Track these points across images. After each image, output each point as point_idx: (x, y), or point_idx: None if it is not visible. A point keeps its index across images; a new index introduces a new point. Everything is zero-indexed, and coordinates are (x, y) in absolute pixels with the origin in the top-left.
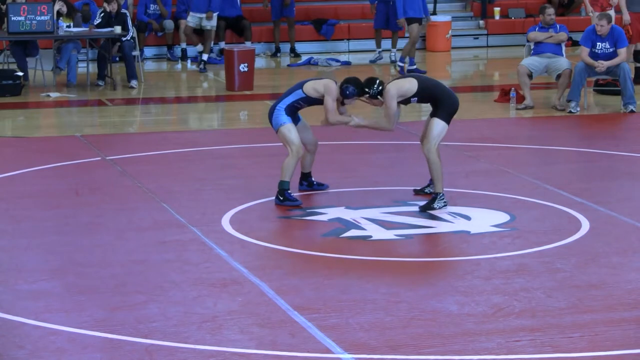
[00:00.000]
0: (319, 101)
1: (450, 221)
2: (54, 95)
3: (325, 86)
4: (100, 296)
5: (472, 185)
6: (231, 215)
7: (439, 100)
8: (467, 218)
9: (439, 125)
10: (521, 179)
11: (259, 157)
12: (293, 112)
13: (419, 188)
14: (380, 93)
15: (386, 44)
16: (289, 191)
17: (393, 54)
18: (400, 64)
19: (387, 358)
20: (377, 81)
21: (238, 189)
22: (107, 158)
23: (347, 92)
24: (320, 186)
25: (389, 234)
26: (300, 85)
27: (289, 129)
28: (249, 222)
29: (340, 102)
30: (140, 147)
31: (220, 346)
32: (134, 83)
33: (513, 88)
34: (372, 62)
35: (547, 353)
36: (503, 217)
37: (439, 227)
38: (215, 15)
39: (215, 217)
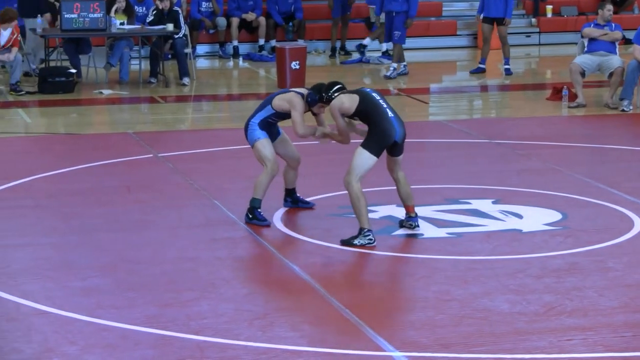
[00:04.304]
0: (289, 115)
1: (502, 219)
2: (106, 92)
3: (290, 101)
4: (151, 293)
5: (524, 184)
6: (282, 212)
7: (371, 128)
8: (519, 216)
9: (361, 156)
10: (573, 177)
11: (309, 155)
12: (268, 126)
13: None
14: (329, 100)
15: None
16: (260, 210)
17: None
18: (507, 66)
19: (438, 356)
20: (335, 87)
21: (282, 190)
22: (159, 155)
23: (309, 100)
24: (305, 203)
25: (441, 232)
26: (269, 101)
27: (264, 145)
28: (300, 220)
29: (312, 113)
30: (191, 144)
31: (271, 343)
32: (185, 80)
33: (565, 86)
34: (388, 77)
35: (598, 352)
36: (555, 216)
37: (491, 225)
38: None
39: (266, 214)
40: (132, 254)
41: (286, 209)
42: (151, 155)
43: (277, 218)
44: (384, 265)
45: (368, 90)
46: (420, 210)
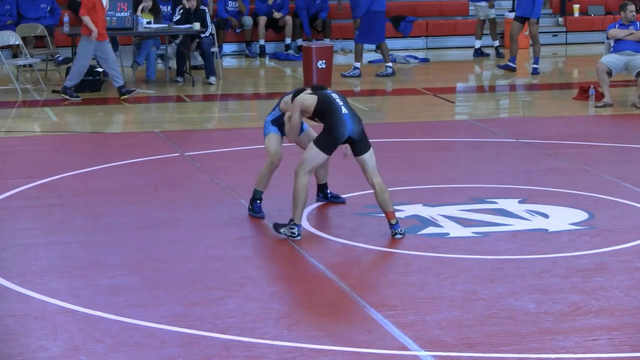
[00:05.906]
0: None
1: (528, 219)
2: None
3: (286, 103)
4: (178, 292)
5: (551, 183)
6: (308, 211)
7: (324, 126)
8: (545, 216)
9: (311, 151)
10: (600, 177)
11: (336, 154)
12: (282, 125)
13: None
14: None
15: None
16: (259, 201)
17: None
18: (535, 65)
19: (464, 356)
20: (304, 90)
21: (315, 186)
22: (186, 154)
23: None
24: (336, 198)
25: (467, 232)
26: (278, 103)
27: (270, 139)
28: (327, 219)
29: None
30: (218, 143)
31: (297, 342)
32: (212, 79)
33: (592, 86)
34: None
35: (625, 352)
36: (581, 216)
37: (517, 224)
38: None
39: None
40: (159, 253)
41: (313, 208)
42: (178, 154)
43: (303, 218)
44: (410, 265)
45: (328, 91)
46: (446, 210)
